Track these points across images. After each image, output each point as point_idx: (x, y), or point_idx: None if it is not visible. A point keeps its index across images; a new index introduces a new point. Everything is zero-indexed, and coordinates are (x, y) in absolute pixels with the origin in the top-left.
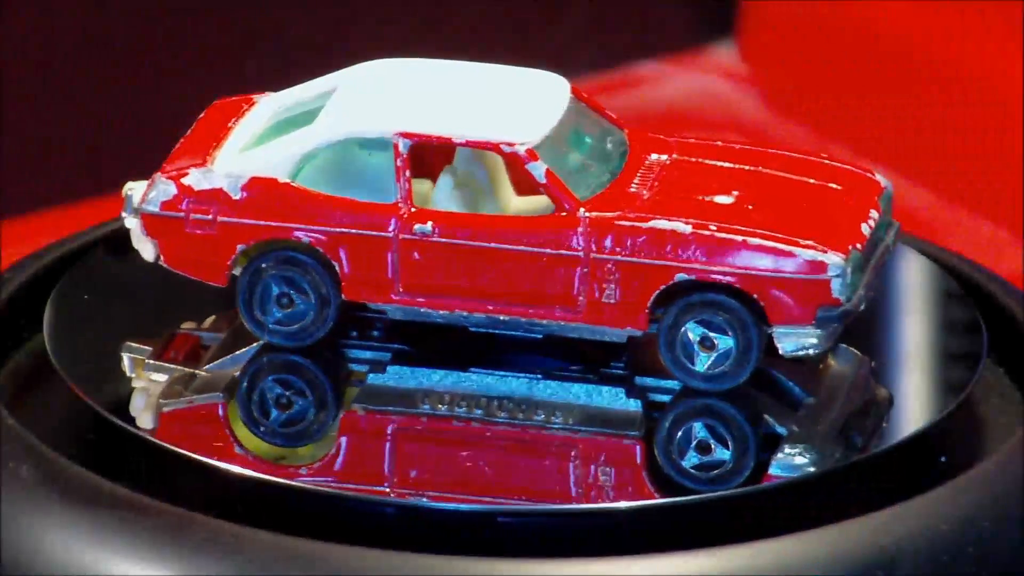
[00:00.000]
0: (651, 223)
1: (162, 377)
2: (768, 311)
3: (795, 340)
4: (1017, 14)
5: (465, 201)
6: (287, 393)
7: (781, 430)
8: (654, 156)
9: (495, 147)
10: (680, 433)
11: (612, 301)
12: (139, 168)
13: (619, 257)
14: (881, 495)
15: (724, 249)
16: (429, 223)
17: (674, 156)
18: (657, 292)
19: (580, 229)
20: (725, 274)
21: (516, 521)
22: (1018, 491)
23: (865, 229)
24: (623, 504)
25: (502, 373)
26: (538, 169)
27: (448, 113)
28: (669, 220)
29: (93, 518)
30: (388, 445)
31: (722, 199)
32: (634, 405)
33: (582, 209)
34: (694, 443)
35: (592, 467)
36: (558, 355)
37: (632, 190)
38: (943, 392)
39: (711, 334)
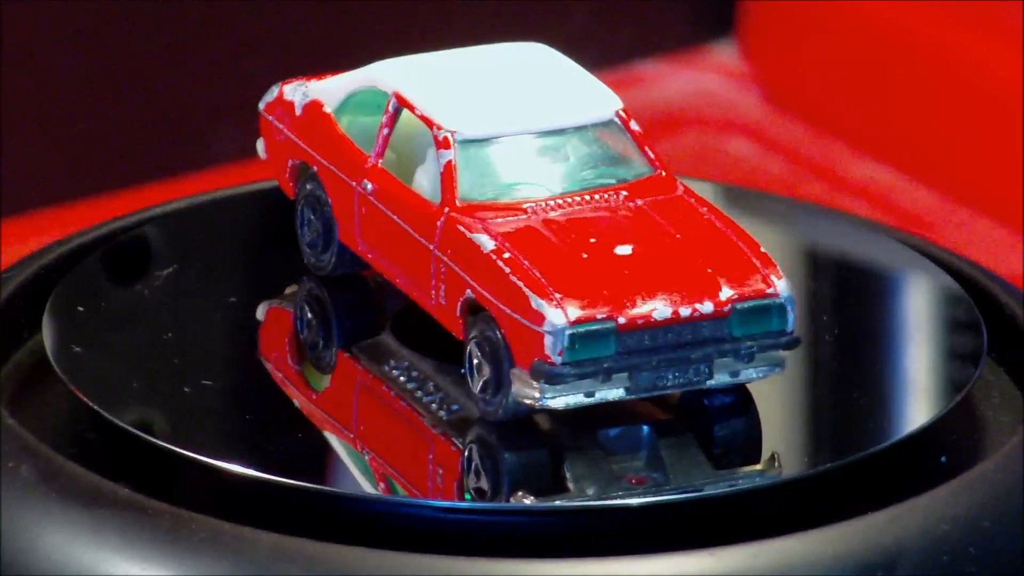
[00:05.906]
0: (473, 235)
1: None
2: (511, 350)
3: (516, 387)
4: (1017, 14)
5: (434, 176)
6: (311, 318)
7: (572, 484)
8: (623, 195)
9: (432, 126)
10: (465, 454)
11: (444, 303)
12: (139, 168)
13: (446, 259)
14: (881, 495)
15: (494, 277)
16: (375, 183)
17: (639, 204)
18: (459, 302)
19: (438, 224)
20: (488, 302)
21: (516, 520)
22: (1018, 491)
23: (662, 312)
24: (633, 501)
25: (443, 361)
26: (443, 157)
27: (447, 92)
28: (489, 238)
29: (93, 518)
30: (354, 395)
31: (595, 243)
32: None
33: (455, 204)
34: (472, 467)
35: (414, 460)
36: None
37: (528, 208)
38: (943, 392)
39: (481, 359)
